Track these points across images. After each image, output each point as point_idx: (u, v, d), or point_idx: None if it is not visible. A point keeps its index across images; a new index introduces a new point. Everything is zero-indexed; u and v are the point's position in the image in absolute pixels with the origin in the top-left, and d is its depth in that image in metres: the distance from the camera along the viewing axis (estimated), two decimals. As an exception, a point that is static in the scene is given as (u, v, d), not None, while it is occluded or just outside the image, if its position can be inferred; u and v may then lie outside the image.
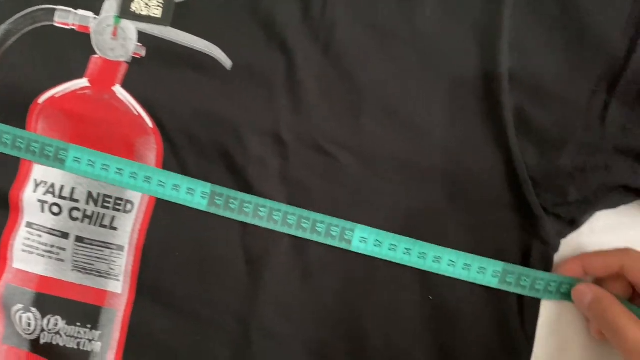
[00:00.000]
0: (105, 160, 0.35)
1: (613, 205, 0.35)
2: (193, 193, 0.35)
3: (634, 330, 0.30)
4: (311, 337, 0.35)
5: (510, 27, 0.34)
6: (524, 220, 0.34)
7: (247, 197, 0.35)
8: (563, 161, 0.34)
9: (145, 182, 0.35)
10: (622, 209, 0.35)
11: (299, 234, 0.35)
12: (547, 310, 0.36)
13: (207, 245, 0.35)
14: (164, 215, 0.35)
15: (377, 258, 0.35)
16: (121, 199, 0.35)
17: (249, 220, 0.35)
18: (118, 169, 0.35)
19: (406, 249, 0.34)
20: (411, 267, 0.35)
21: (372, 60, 0.34)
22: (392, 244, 0.34)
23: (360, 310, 0.35)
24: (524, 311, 0.35)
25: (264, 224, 0.35)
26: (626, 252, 0.33)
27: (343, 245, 0.34)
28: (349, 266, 0.35)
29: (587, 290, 0.33)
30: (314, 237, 0.34)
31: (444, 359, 0.35)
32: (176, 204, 0.35)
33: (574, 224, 0.35)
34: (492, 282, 0.34)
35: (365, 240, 0.34)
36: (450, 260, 0.34)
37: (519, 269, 0.34)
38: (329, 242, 0.34)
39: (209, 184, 0.35)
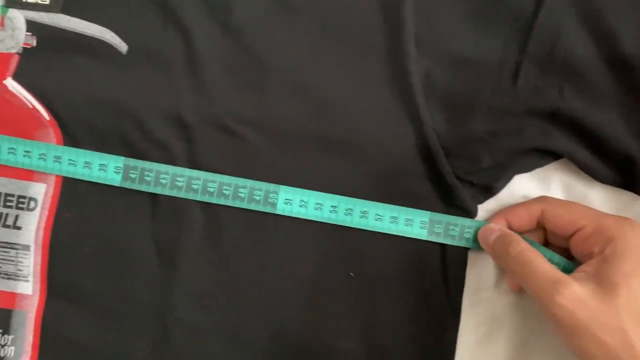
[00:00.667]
0: (12, 143, 0.33)
1: (528, 168, 0.34)
2: (106, 169, 0.33)
3: (540, 262, 0.29)
4: (231, 325, 0.34)
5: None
6: (440, 188, 0.34)
7: (163, 167, 0.33)
8: (474, 126, 0.33)
9: (56, 162, 0.33)
10: (539, 172, 0.35)
11: (221, 201, 0.33)
12: (472, 282, 0.35)
13: (116, 239, 0.34)
14: (69, 211, 0.34)
15: (293, 239, 0.34)
16: (24, 197, 0.34)
17: (166, 192, 0.33)
18: (26, 151, 0.33)
19: (332, 206, 0.33)
20: (330, 244, 0.34)
21: (273, 34, 0.33)
22: (317, 203, 0.33)
23: (280, 293, 0.34)
24: (449, 283, 0.34)
25: (182, 195, 0.33)
26: (544, 199, 0.33)
27: (268, 209, 0.33)
28: (266, 249, 0.34)
29: (493, 228, 0.33)
30: (237, 204, 0.33)
31: (369, 336, 0.34)
32: (81, 197, 0.33)
33: (489, 189, 0.34)
34: (422, 234, 0.34)
35: (290, 201, 0.33)
36: (377, 215, 0.34)
37: (446, 217, 0.34)
38: (252, 207, 0.33)
39: (121, 158, 0.33)
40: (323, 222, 0.34)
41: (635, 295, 0.27)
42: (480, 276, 0.35)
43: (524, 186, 0.35)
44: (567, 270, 0.30)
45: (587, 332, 0.27)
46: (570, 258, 0.33)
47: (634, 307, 0.27)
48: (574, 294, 0.27)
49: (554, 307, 0.28)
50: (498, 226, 0.33)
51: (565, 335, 0.28)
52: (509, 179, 0.34)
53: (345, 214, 0.34)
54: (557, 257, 0.32)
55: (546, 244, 0.34)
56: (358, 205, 0.34)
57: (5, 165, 0.33)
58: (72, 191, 0.34)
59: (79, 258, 0.34)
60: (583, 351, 0.28)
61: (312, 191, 0.34)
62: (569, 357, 0.30)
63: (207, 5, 0.33)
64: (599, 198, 0.35)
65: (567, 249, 0.32)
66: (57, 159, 0.33)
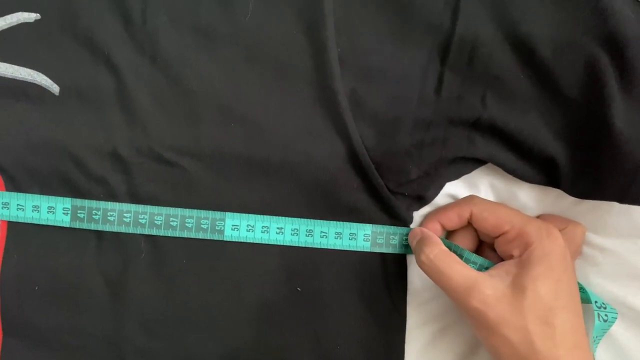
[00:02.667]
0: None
1: (455, 176, 0.36)
2: (54, 211, 0.34)
3: (455, 267, 0.31)
4: (183, 350, 0.35)
5: (334, 12, 0.34)
6: (376, 200, 0.35)
7: (110, 204, 0.34)
8: (401, 139, 0.34)
9: (4, 208, 0.34)
10: (468, 177, 0.36)
11: (169, 233, 0.34)
12: (415, 284, 0.37)
13: (65, 275, 0.35)
14: (16, 251, 0.35)
15: (239, 261, 0.35)
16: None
17: (114, 228, 0.34)
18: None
19: (278, 228, 0.35)
20: (276, 262, 0.35)
21: (200, 63, 0.34)
22: (264, 226, 0.35)
23: (229, 313, 0.35)
24: (392, 287, 0.36)
25: (130, 230, 0.34)
26: (472, 200, 0.34)
27: (215, 237, 0.35)
28: (211, 271, 0.35)
29: (416, 233, 0.34)
30: (185, 234, 0.35)
31: (320, 347, 0.36)
32: (25, 237, 0.34)
33: (422, 199, 0.36)
34: (366, 246, 0.35)
35: (237, 227, 0.35)
36: (322, 232, 0.35)
37: (386, 228, 0.36)
38: (200, 235, 0.35)
39: (68, 199, 0.34)
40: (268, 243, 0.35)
41: (541, 297, 0.30)
42: (422, 277, 0.37)
43: (455, 191, 0.37)
44: (485, 268, 0.32)
45: (496, 330, 0.30)
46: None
47: (539, 308, 0.30)
48: (486, 296, 0.30)
49: (468, 309, 0.30)
50: (420, 230, 0.34)
51: (478, 332, 0.31)
52: (439, 187, 0.36)
53: (292, 234, 0.35)
54: (473, 257, 0.34)
55: (479, 240, 0.35)
56: (303, 224, 0.35)
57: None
58: (17, 233, 0.35)
59: (31, 297, 0.35)
60: (492, 347, 0.30)
61: (257, 215, 0.35)
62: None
63: (134, 40, 0.34)
64: (528, 197, 0.37)
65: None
66: (5, 205, 0.34)
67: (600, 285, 0.36)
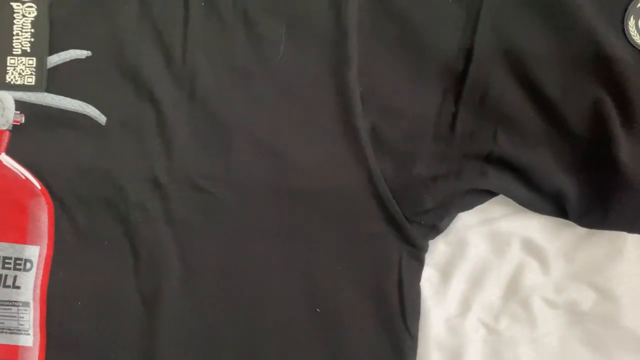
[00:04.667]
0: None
1: (469, 207, 0.38)
2: None
3: None
4: None
5: (357, 55, 0.37)
6: (392, 229, 0.38)
7: None
8: (417, 171, 0.37)
9: None
10: (480, 208, 0.39)
11: None
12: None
13: (105, 292, 0.37)
14: (61, 270, 0.37)
15: (263, 279, 0.38)
16: (20, 259, 0.37)
17: None
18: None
19: None
20: (297, 283, 0.38)
21: (234, 100, 0.37)
22: None
23: (254, 334, 0.38)
24: (406, 311, 0.38)
25: None
26: None
27: None
28: (239, 293, 0.38)
29: None
30: None
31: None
32: (71, 256, 0.37)
33: (436, 228, 0.38)
34: None
35: None
36: None
37: None
38: None
39: None
40: (292, 265, 0.38)
41: None
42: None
43: (467, 221, 0.39)
44: None
45: None
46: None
47: None
48: None
49: None
50: None
51: None
52: (452, 217, 0.38)
53: None
54: None
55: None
56: None
57: (1, 231, 0.37)
58: (63, 252, 0.38)
59: (73, 311, 0.37)
60: None
61: None
62: None
63: (175, 77, 0.37)
64: (539, 225, 0.39)
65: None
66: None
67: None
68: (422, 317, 0.39)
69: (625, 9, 0.36)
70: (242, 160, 0.37)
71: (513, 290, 0.40)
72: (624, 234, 0.39)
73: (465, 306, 0.40)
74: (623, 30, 0.36)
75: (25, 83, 0.37)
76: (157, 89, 0.37)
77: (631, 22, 0.36)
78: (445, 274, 0.40)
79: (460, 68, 0.37)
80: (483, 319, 0.40)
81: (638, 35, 0.36)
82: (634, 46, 0.36)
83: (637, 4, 0.37)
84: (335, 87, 0.37)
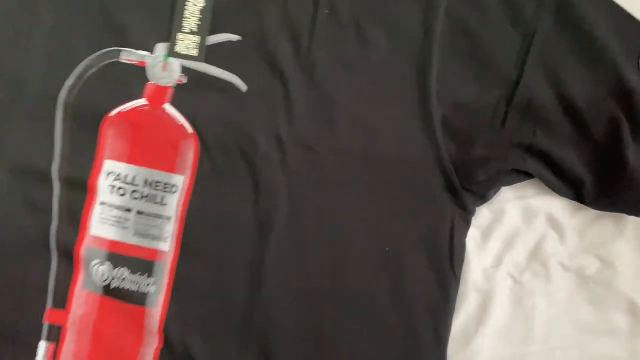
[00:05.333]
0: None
1: (510, 183, 0.51)
2: None
3: None
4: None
5: (437, 60, 0.49)
6: (450, 195, 0.50)
7: None
8: (474, 152, 0.49)
9: None
10: (518, 186, 0.51)
11: None
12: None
13: (230, 216, 0.49)
14: (198, 196, 0.50)
15: (349, 225, 0.50)
16: (168, 184, 0.50)
17: None
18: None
19: None
20: (373, 227, 0.50)
21: (340, 84, 0.50)
22: None
23: (339, 262, 0.49)
24: (454, 259, 0.50)
25: None
26: None
27: None
28: (329, 231, 0.49)
29: None
30: None
31: (400, 298, 0.49)
32: (206, 186, 0.49)
33: (484, 197, 0.50)
34: None
35: None
36: None
37: None
38: None
39: None
40: (371, 214, 0.50)
41: None
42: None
43: (507, 196, 0.51)
44: None
45: None
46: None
47: None
48: None
49: None
50: None
51: None
52: (497, 190, 0.51)
53: None
54: None
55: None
56: None
57: (157, 161, 0.50)
58: (201, 182, 0.50)
59: (204, 228, 0.49)
60: None
61: None
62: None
63: (299, 63, 0.50)
64: (560, 205, 0.51)
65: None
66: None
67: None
68: (464, 265, 0.51)
69: (640, 51, 0.49)
70: (342, 129, 0.50)
71: (536, 253, 0.52)
72: (625, 217, 0.51)
73: (498, 261, 0.52)
74: (638, 66, 0.49)
75: (190, 54, 0.50)
76: (287, 71, 0.50)
77: (644, 60, 0.49)
78: (485, 235, 0.52)
79: (513, 80, 0.49)
80: (511, 272, 0.52)
81: (648, 71, 0.49)
82: (645, 79, 0.49)
83: (650, 47, 0.50)
84: (418, 82, 0.50)
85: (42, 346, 0.49)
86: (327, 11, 0.50)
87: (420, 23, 0.50)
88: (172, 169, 0.50)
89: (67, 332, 0.49)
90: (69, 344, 0.49)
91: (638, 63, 0.49)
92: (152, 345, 0.49)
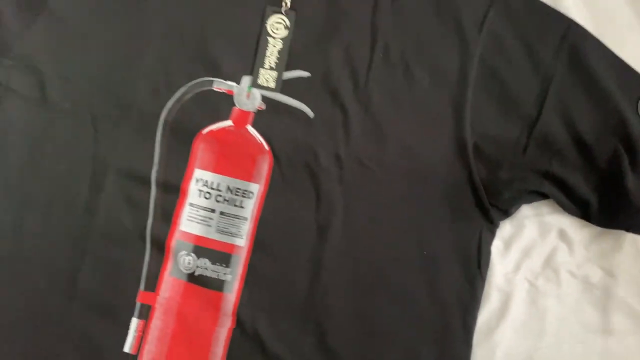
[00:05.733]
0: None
1: (529, 201, 0.61)
2: None
3: None
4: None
5: (471, 96, 0.60)
6: (479, 210, 0.60)
7: None
8: (500, 175, 0.60)
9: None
10: (536, 204, 0.61)
11: None
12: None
13: (296, 219, 0.59)
14: (270, 201, 0.60)
15: (394, 231, 0.60)
16: (246, 190, 0.60)
17: None
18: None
19: None
20: (413, 234, 0.60)
21: (390, 114, 0.60)
22: None
23: (384, 263, 0.59)
24: (481, 263, 0.60)
25: None
26: None
27: None
28: (377, 235, 0.59)
29: None
30: None
31: (435, 293, 0.59)
32: (277, 193, 0.60)
33: (507, 212, 0.61)
34: None
35: None
36: None
37: None
38: None
39: None
40: (411, 223, 0.60)
41: None
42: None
43: (526, 212, 0.62)
44: None
45: None
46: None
47: None
48: None
49: None
50: None
51: None
52: (518, 207, 0.61)
53: None
54: None
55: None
56: None
57: (238, 171, 0.60)
58: (273, 191, 0.60)
59: (273, 228, 0.60)
60: None
61: None
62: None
63: (357, 96, 0.61)
64: (569, 222, 0.61)
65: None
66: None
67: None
68: (489, 269, 0.61)
69: (639, 97, 0.60)
70: (390, 150, 0.60)
71: (549, 262, 0.62)
72: (625, 233, 0.61)
73: (517, 267, 0.62)
74: (637, 110, 0.60)
75: (269, 86, 0.61)
76: (346, 102, 0.61)
77: (641, 105, 0.60)
78: (507, 245, 0.62)
79: (533, 117, 0.60)
80: (527, 277, 0.62)
81: (645, 114, 0.60)
82: (642, 120, 0.60)
83: (646, 95, 0.60)
84: (454, 115, 0.60)
85: (134, 322, 0.59)
86: (381, 55, 0.61)
87: (458, 66, 0.61)
88: (249, 178, 0.60)
89: (155, 311, 0.59)
90: (156, 321, 0.59)
91: (637, 106, 0.60)
92: (226, 325, 0.59)
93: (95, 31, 0.61)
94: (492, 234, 0.61)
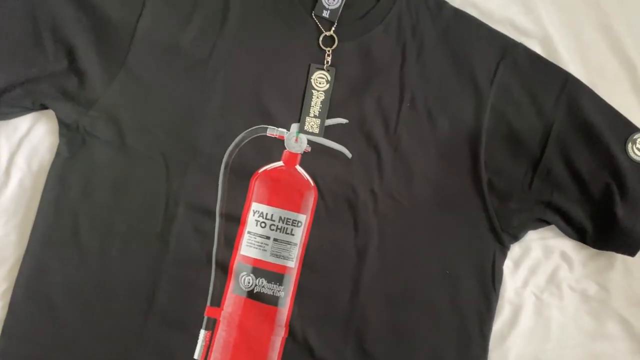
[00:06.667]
0: (289, 201, 0.72)
1: (534, 228, 0.72)
2: None
3: None
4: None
5: (485, 138, 0.71)
6: (493, 235, 0.71)
7: None
8: (510, 205, 0.71)
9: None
10: (541, 230, 0.72)
11: None
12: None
13: (337, 244, 0.70)
14: (315, 229, 0.71)
15: (422, 255, 0.71)
16: (295, 220, 0.71)
17: None
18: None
19: None
20: (438, 257, 0.71)
21: (417, 155, 0.71)
22: None
23: (414, 284, 0.70)
24: (495, 280, 0.71)
25: None
26: None
27: None
28: (407, 260, 0.71)
29: None
30: None
31: (456, 305, 0.70)
32: (320, 224, 0.71)
33: (516, 237, 0.72)
34: None
35: None
36: None
37: None
38: None
39: None
40: (435, 247, 0.71)
41: None
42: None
43: (532, 236, 0.73)
44: None
45: None
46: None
47: None
48: None
49: None
50: None
51: None
52: (525, 232, 0.72)
53: None
54: None
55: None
56: None
57: (289, 204, 0.71)
58: (318, 220, 0.71)
59: (319, 251, 0.70)
60: None
61: None
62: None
63: (388, 139, 0.71)
64: (569, 244, 0.72)
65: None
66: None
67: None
68: (501, 285, 0.72)
69: (626, 139, 0.71)
70: (416, 185, 0.71)
71: (552, 278, 0.73)
72: (616, 254, 0.72)
73: (525, 283, 0.73)
74: (625, 150, 0.71)
75: (314, 132, 0.72)
76: (379, 144, 0.72)
77: (629, 146, 0.71)
78: (516, 264, 0.73)
79: (537, 156, 0.71)
80: (534, 291, 0.73)
81: (632, 154, 0.71)
82: (631, 159, 0.70)
83: (633, 135, 0.71)
84: (471, 155, 0.71)
85: (202, 333, 0.69)
86: (408, 104, 0.73)
87: (473, 114, 0.72)
88: (298, 210, 0.71)
89: (219, 324, 0.70)
90: (221, 332, 0.70)
91: (624, 146, 0.71)
92: (280, 334, 0.70)
93: (167, 86, 0.71)
94: (504, 255, 0.72)
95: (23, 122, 0.73)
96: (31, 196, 0.72)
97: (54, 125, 0.72)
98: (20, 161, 0.73)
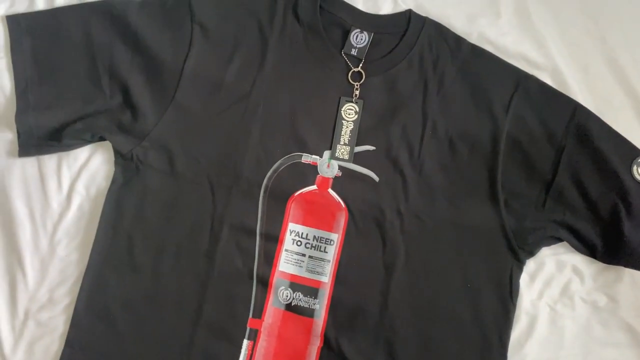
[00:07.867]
0: (323, 221, 0.79)
1: (548, 244, 0.78)
2: None
3: None
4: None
5: (502, 164, 0.78)
6: (510, 251, 0.78)
7: None
8: (526, 224, 0.77)
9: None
10: (554, 246, 0.79)
11: None
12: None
13: (365, 261, 0.77)
14: (347, 247, 0.78)
15: (445, 270, 0.78)
16: (328, 239, 0.78)
17: None
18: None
19: None
20: (459, 271, 0.77)
21: (439, 178, 0.78)
22: None
23: (439, 297, 0.77)
24: (512, 293, 0.77)
25: None
26: None
27: None
28: (431, 274, 0.77)
29: None
30: None
31: (477, 316, 0.76)
32: (351, 242, 0.78)
33: (532, 253, 0.78)
34: None
35: None
36: None
37: None
38: None
39: None
40: (457, 263, 0.77)
41: None
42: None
43: (546, 252, 0.79)
44: None
45: None
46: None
47: None
48: None
49: None
50: None
51: None
52: (540, 249, 0.78)
53: None
54: None
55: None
56: None
57: (322, 224, 0.78)
58: (348, 239, 0.78)
59: (350, 267, 0.77)
60: None
61: None
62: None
63: (412, 163, 0.79)
64: (580, 259, 0.79)
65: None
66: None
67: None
68: (519, 297, 0.78)
69: (632, 162, 0.78)
70: (439, 206, 0.78)
71: (565, 291, 0.79)
72: (624, 268, 0.78)
73: (540, 295, 0.79)
74: (630, 172, 0.77)
75: (344, 158, 0.79)
76: (404, 169, 0.79)
77: (634, 168, 0.77)
78: (532, 278, 0.80)
79: (550, 179, 0.77)
80: (548, 303, 0.79)
81: (637, 175, 0.77)
82: (636, 181, 0.77)
83: (637, 159, 0.78)
84: (489, 178, 0.78)
85: (245, 343, 0.76)
86: (430, 132, 0.80)
87: (490, 141, 0.79)
88: (331, 229, 0.79)
89: (260, 334, 0.77)
90: (262, 342, 0.77)
91: (630, 168, 0.77)
92: (315, 344, 0.77)
93: (212, 119, 0.79)
94: (520, 270, 0.78)
95: (82, 153, 0.81)
96: (90, 219, 0.80)
97: (110, 155, 0.80)
98: (80, 188, 0.81)
